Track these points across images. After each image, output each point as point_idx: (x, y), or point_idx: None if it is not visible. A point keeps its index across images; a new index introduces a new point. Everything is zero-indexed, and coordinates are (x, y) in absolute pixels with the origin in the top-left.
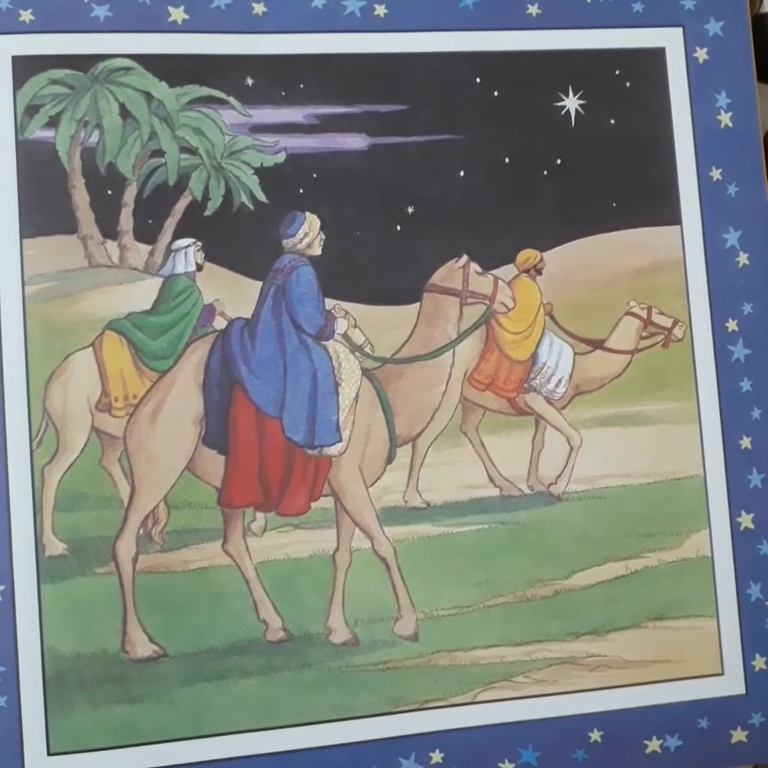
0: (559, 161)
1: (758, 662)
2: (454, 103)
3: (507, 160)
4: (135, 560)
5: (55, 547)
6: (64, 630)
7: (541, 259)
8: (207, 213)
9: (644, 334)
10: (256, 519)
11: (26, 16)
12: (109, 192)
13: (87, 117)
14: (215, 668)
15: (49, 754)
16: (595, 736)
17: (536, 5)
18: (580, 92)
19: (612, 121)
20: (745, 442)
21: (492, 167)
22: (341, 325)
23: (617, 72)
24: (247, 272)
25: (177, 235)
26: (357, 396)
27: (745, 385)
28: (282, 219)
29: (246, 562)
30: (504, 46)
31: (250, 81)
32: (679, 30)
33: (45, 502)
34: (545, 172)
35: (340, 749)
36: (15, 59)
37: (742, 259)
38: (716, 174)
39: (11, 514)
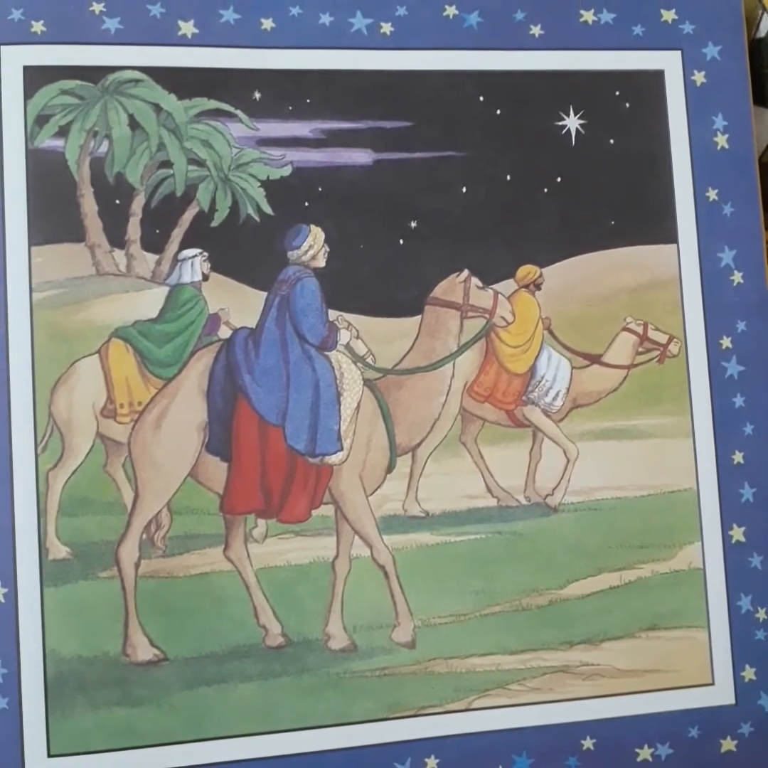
0: (559, 179)
1: (748, 673)
2: (457, 120)
3: (508, 177)
4: (137, 565)
5: (59, 550)
6: (65, 633)
7: (541, 275)
8: (213, 224)
9: (640, 349)
10: (258, 525)
11: (38, 27)
12: (118, 202)
13: (96, 127)
14: (215, 672)
15: (49, 755)
16: (588, 743)
17: (539, 26)
18: (581, 112)
19: (611, 141)
20: (738, 457)
21: (493, 184)
22: (344, 336)
23: (617, 93)
24: (253, 283)
25: (184, 245)
26: (358, 406)
27: (738, 401)
28: (287, 231)
29: (247, 568)
30: (507, 65)
31: (257, 95)
32: (678, 53)
33: (49, 506)
34: (545, 190)
35: (336, 754)
36: (26, 69)
37: (737, 277)
38: (712, 194)
39: (15, 517)
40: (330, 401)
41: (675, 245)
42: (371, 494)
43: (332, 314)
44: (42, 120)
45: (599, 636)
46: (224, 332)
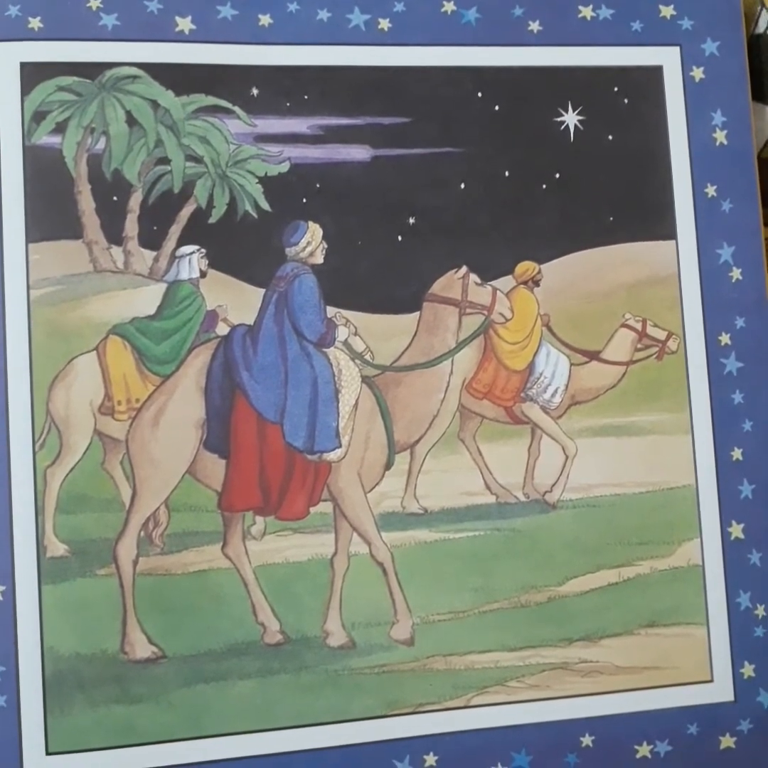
0: (557, 175)
1: (747, 670)
2: (455, 116)
3: (507, 173)
4: (135, 562)
5: (57, 548)
6: (64, 630)
7: (539, 271)
8: (211, 220)
9: (639, 346)
10: (256, 523)
11: (35, 23)
12: (115, 198)
13: (94, 124)
14: (213, 670)
15: (47, 753)
16: (587, 740)
17: (537, 22)
18: (579, 108)
19: (610, 137)
20: (737, 454)
21: (492, 180)
22: (342, 333)
23: (616, 89)
24: (250, 279)
25: (181, 241)
26: (357, 403)
27: (737, 397)
28: (285, 228)
29: (245, 566)
30: (505, 61)
31: (255, 91)
32: (677, 49)
33: (47, 503)
34: (544, 186)
35: (335, 751)
36: (23, 66)
37: (736, 274)
38: (711, 190)
39: (13, 515)
40: (328, 398)
41: (674, 242)
42: (370, 491)
43: (330, 311)
44: (39, 116)
45: (598, 633)
46: (222, 329)
